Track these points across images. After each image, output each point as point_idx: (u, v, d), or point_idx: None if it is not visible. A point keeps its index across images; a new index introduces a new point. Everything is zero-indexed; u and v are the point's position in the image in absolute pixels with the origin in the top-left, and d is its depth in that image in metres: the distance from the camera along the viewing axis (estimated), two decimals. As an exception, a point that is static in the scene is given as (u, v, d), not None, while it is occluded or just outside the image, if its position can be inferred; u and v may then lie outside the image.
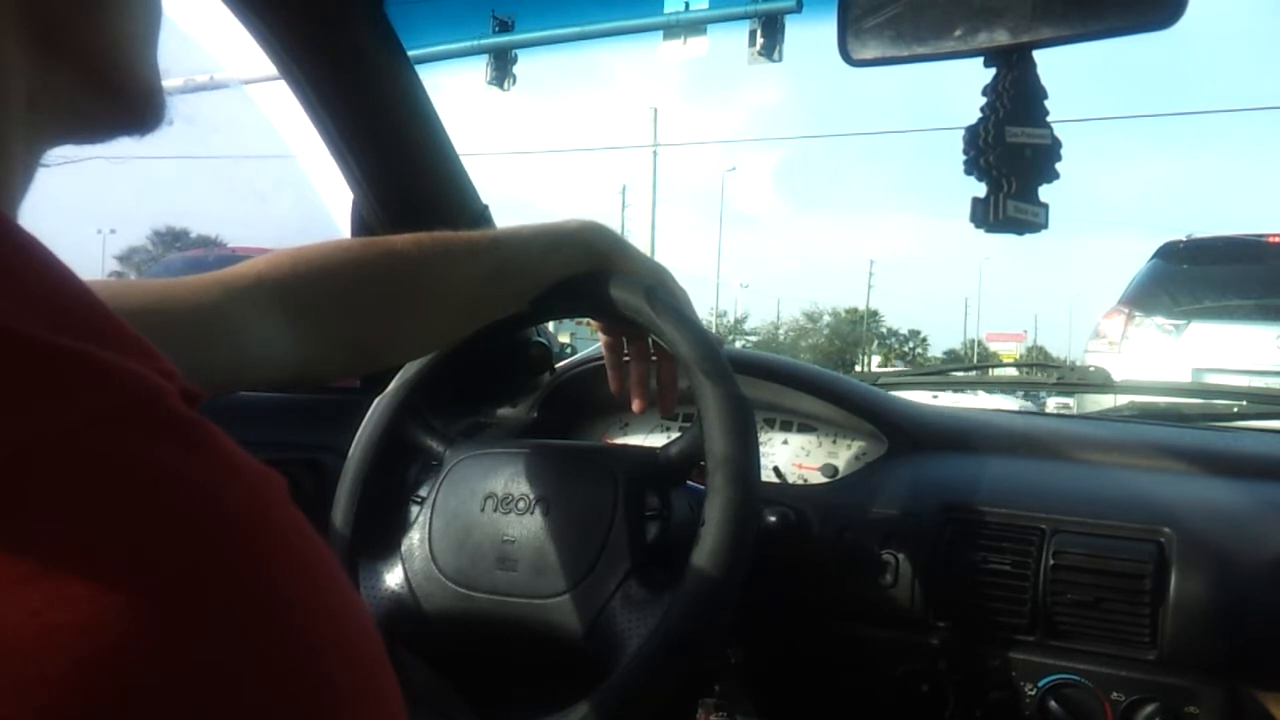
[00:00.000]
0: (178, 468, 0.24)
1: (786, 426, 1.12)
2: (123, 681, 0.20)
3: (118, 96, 0.35)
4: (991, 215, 0.69)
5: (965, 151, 0.70)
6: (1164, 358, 4.64)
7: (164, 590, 0.22)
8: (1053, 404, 4.57)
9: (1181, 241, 5.43)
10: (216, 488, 0.24)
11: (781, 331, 45.17)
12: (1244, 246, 5.22)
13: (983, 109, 0.70)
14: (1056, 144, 0.70)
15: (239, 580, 0.23)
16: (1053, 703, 0.84)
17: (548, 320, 0.97)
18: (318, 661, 0.23)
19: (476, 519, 0.85)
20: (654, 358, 0.89)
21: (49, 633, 0.20)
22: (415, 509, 0.90)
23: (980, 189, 0.70)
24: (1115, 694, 0.83)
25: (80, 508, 0.22)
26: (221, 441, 0.26)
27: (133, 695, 0.21)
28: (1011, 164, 0.69)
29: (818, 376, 1.11)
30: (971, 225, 0.71)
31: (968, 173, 0.70)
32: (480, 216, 1.19)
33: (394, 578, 0.87)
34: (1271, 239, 5.09)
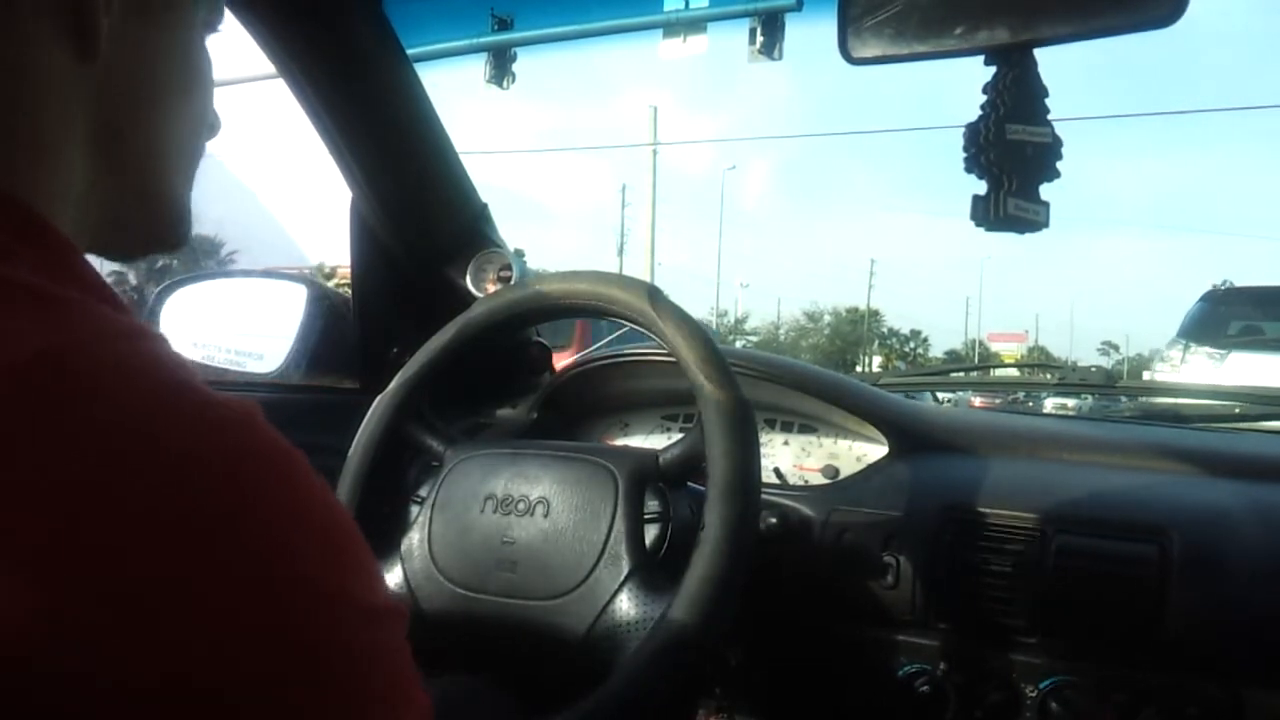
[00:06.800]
0: (120, 401, 0.27)
1: (787, 427, 1.11)
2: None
3: (152, 205, 0.37)
4: (992, 213, 0.69)
5: (966, 149, 0.70)
6: (1212, 380, 4.94)
7: (112, 506, 0.25)
8: (1051, 404, 4.57)
9: (1220, 289, 6.67)
10: (154, 421, 0.27)
11: (782, 331, 45.12)
12: (1272, 294, 6.25)
13: (983, 107, 0.69)
14: (1057, 142, 0.70)
15: (180, 495, 0.26)
16: (1054, 704, 0.84)
17: (548, 320, 0.97)
18: (272, 563, 0.28)
19: (476, 520, 0.85)
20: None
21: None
22: (415, 509, 0.90)
23: (981, 187, 0.70)
24: (1116, 695, 0.83)
25: (24, 443, 0.25)
26: (171, 374, 0.28)
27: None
28: (1012, 162, 0.68)
29: (818, 377, 1.10)
30: (972, 224, 0.70)
31: (968, 171, 0.70)
32: (480, 216, 1.19)
33: (393, 578, 0.87)
34: None
